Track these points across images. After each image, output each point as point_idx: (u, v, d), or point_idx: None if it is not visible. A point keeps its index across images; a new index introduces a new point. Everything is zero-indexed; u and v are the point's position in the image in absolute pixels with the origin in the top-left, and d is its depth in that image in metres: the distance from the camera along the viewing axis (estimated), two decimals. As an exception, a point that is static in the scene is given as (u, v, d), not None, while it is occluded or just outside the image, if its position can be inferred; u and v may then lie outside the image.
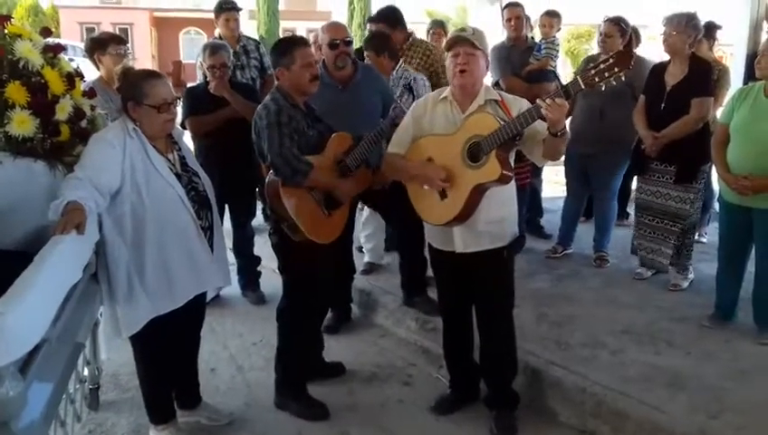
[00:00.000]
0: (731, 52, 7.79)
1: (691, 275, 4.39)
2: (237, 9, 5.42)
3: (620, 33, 4.60)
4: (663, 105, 4.14)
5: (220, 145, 4.15)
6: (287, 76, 3.08)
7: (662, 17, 4.23)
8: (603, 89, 2.51)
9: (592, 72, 2.47)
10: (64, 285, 2.10)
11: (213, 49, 4.23)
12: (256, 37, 10.46)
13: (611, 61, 2.44)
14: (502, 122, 2.65)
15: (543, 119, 2.56)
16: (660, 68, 4.25)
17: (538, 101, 2.55)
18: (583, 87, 2.50)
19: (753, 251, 3.69)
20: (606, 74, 2.45)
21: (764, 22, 5.80)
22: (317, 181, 3.03)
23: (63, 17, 30.46)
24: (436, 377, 3.59)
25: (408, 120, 3.00)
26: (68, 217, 2.18)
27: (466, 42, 2.77)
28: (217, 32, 5.47)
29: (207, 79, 4.23)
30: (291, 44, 3.13)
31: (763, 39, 5.84)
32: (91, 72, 3.89)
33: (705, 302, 3.94)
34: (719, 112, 4.14)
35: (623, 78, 2.48)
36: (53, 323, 2.00)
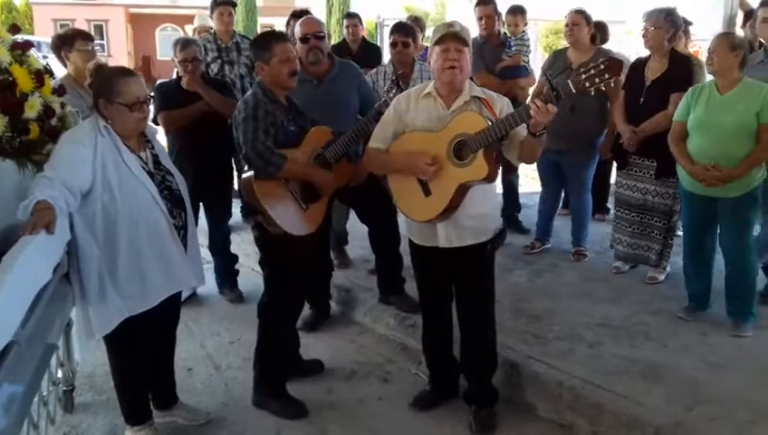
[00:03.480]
0: (706, 47, 7.86)
1: (668, 269, 4.43)
2: (232, 4, 5.45)
3: (586, 21, 4.64)
4: (642, 100, 4.17)
5: (193, 141, 4.10)
6: (266, 71, 3.07)
7: (641, 13, 4.27)
8: (593, 93, 2.53)
9: (583, 77, 2.48)
10: (33, 285, 2.08)
11: (183, 44, 4.20)
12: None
13: (603, 67, 2.46)
14: (489, 122, 2.65)
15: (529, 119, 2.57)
16: (641, 63, 4.29)
17: (529, 101, 2.54)
18: (575, 91, 2.50)
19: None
20: (597, 80, 2.46)
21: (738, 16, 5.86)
22: (291, 172, 3.03)
23: (37, 14, 30.02)
24: (415, 373, 3.59)
25: (390, 115, 2.98)
26: (37, 217, 2.14)
27: (457, 38, 2.75)
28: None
29: (180, 74, 4.19)
30: (269, 39, 3.12)
31: (738, 34, 5.91)
32: (60, 70, 3.83)
33: (681, 295, 3.97)
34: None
35: (612, 84, 2.49)
36: (23, 324, 1.97)
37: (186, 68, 4.11)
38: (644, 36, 4.17)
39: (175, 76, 4.39)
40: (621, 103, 4.31)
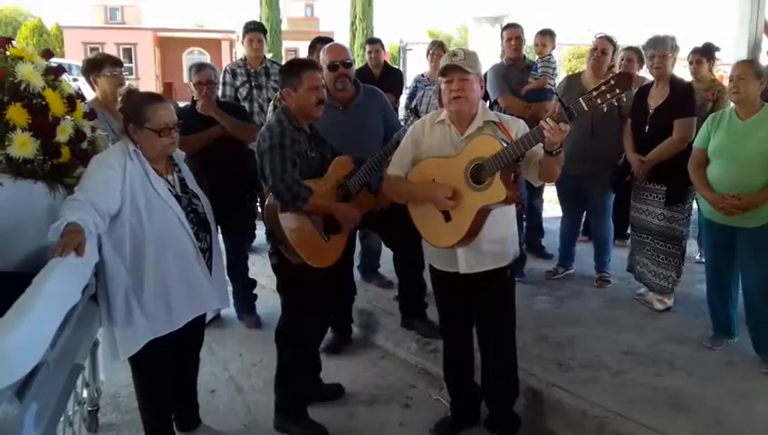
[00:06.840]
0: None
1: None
2: (262, 30, 5.53)
3: (613, 49, 4.65)
4: (647, 128, 4.17)
5: (210, 166, 4.05)
6: (293, 97, 3.09)
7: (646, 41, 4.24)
8: (605, 110, 2.53)
9: (594, 93, 2.48)
10: (63, 307, 2.10)
11: (198, 67, 4.19)
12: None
13: (613, 82, 2.46)
14: (504, 144, 2.66)
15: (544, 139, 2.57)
16: (644, 91, 4.29)
17: (541, 122, 2.55)
18: (586, 109, 2.50)
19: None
20: (608, 96, 2.46)
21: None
22: (317, 206, 3.04)
23: (68, 37, 30.74)
24: (436, 399, 3.57)
25: (408, 142, 3.00)
26: (67, 239, 2.18)
27: (458, 68, 2.76)
28: (242, 51, 5.51)
29: (195, 98, 4.17)
30: (299, 67, 3.13)
31: (762, 58, 5.87)
32: (90, 93, 3.90)
33: (706, 323, 3.92)
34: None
35: (624, 99, 2.49)
36: (52, 345, 2.00)
37: (200, 91, 4.10)
38: (653, 66, 4.12)
39: (190, 101, 4.32)
40: (630, 132, 4.32)
